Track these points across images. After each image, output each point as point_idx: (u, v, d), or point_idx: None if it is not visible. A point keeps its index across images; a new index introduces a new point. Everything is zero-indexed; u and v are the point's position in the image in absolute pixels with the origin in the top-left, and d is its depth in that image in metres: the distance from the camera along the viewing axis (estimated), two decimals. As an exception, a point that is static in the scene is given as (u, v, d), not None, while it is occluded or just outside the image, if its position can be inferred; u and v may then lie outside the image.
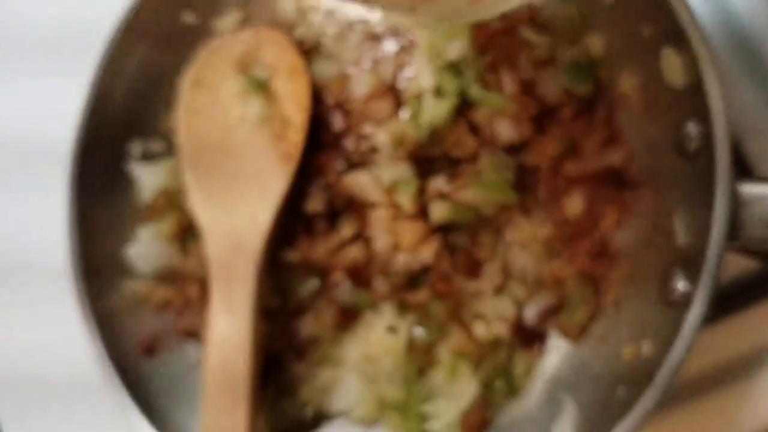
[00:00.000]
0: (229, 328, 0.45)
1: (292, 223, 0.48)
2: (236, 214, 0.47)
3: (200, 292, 0.48)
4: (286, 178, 0.47)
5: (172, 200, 0.49)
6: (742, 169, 0.45)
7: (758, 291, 0.45)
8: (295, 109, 0.48)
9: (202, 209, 0.47)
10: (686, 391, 0.44)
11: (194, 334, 0.49)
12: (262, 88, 0.49)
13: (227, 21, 0.51)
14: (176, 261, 0.49)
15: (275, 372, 0.47)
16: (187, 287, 0.49)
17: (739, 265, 0.45)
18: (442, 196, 0.45)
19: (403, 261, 0.45)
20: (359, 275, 0.46)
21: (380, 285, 0.45)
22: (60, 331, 0.51)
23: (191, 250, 0.49)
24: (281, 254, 0.48)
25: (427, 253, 0.44)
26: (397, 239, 0.45)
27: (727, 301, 0.45)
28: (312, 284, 0.47)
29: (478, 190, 0.44)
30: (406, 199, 0.44)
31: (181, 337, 0.49)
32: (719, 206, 0.37)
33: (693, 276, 0.39)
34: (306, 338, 0.47)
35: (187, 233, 0.49)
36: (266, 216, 0.46)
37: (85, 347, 0.47)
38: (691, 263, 0.39)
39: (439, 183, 0.45)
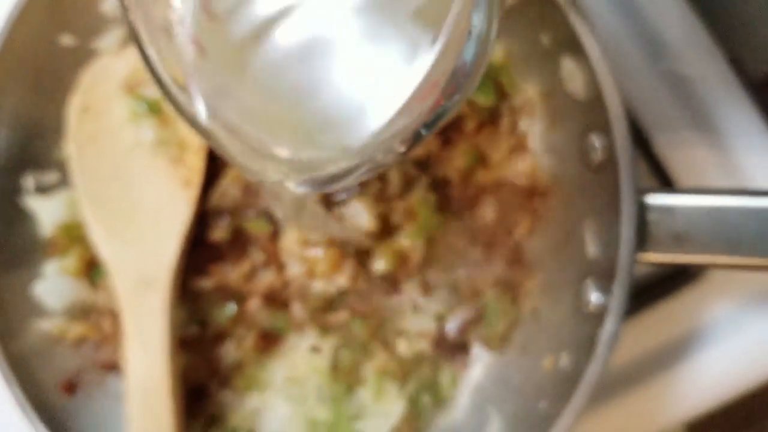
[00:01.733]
0: (145, 367, 0.44)
1: (201, 247, 0.46)
2: (141, 247, 0.45)
3: (115, 325, 0.46)
4: (189, 206, 0.45)
5: (74, 234, 0.47)
6: (665, 181, 0.44)
7: (668, 286, 0.45)
8: (193, 132, 0.46)
9: (104, 245, 0.45)
10: (607, 388, 0.45)
11: (114, 366, 0.47)
12: (154, 109, 0.46)
13: (108, 40, 0.47)
14: (86, 295, 0.47)
15: (201, 401, 0.46)
16: (101, 321, 0.47)
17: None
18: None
19: (319, 287, 0.44)
20: (276, 300, 0.45)
21: (298, 309, 0.44)
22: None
23: (100, 284, 0.47)
24: (193, 281, 0.46)
25: (343, 278, 0.43)
26: (310, 266, 0.43)
27: (640, 297, 0.45)
28: (229, 310, 0.46)
29: (416, 233, 0.43)
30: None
31: (101, 370, 0.48)
32: (626, 219, 0.37)
33: (605, 287, 0.39)
34: (229, 365, 0.46)
35: (93, 267, 0.47)
36: (172, 248, 0.44)
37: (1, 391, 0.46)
38: (603, 274, 0.39)
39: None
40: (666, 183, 0.44)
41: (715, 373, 0.45)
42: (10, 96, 0.46)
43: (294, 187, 0.31)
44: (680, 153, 0.45)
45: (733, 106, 0.45)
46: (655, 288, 0.45)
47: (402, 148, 0.29)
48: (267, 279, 0.45)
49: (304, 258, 0.43)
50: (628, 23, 0.46)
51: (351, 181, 0.30)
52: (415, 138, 0.29)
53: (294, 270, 0.44)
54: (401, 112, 0.27)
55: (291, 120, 0.29)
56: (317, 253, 0.43)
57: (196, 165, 0.45)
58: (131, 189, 0.46)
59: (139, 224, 0.45)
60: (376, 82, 0.28)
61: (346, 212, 0.42)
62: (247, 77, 0.29)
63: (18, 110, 0.47)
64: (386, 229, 0.43)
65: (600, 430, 0.45)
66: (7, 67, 0.45)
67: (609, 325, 0.37)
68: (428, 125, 0.28)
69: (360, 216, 0.42)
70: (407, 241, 0.43)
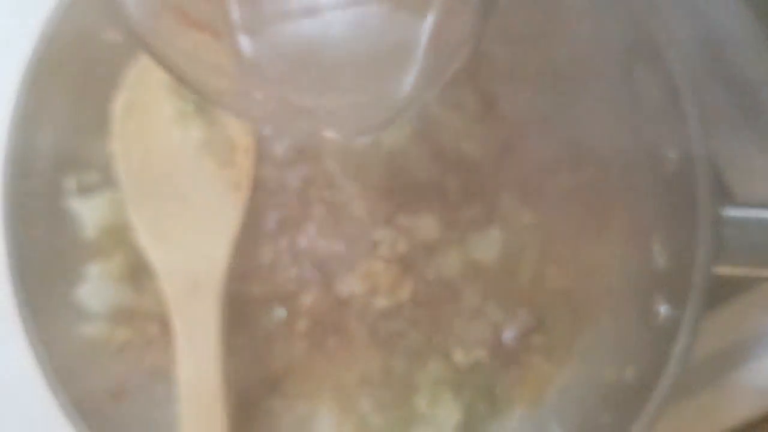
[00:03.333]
0: (197, 373, 0.43)
1: (256, 251, 0.45)
2: (190, 250, 0.44)
3: (160, 330, 0.45)
4: (238, 210, 0.44)
5: (118, 236, 0.46)
6: (722, 195, 0.43)
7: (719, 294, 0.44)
8: (241, 130, 0.45)
9: (152, 248, 0.44)
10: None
11: (160, 372, 0.46)
12: (201, 108, 0.44)
13: (155, 36, 0.45)
14: (131, 299, 0.46)
15: (249, 409, 0.45)
16: (146, 325, 0.46)
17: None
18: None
19: (381, 303, 0.43)
20: (325, 318, 0.44)
21: (356, 325, 0.43)
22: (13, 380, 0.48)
23: (146, 287, 0.46)
24: (241, 285, 0.45)
25: (406, 292, 0.42)
26: (374, 284, 0.42)
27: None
28: (278, 314, 0.45)
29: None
30: (386, 247, 0.42)
31: (147, 376, 0.47)
32: (703, 231, 0.36)
33: (675, 300, 0.38)
34: (277, 370, 0.45)
35: (138, 269, 0.46)
36: (222, 252, 0.43)
37: (45, 398, 0.45)
38: (673, 287, 0.38)
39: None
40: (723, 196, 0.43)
41: (763, 384, 0.44)
42: (53, 93, 0.44)
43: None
44: (738, 165, 0.44)
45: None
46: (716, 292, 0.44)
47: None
48: (312, 296, 0.44)
49: (367, 275, 0.42)
50: (689, 24, 0.45)
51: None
52: None
53: (354, 290, 0.43)
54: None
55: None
56: (379, 268, 0.42)
57: (245, 167, 0.44)
58: (179, 190, 0.45)
59: (188, 227, 0.44)
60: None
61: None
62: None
63: (61, 108, 0.45)
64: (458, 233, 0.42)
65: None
66: (51, 63, 0.43)
67: (683, 338, 0.36)
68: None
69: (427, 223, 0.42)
70: (480, 247, 0.42)
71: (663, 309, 0.39)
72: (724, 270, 0.37)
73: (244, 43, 0.27)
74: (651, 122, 0.39)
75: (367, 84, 0.29)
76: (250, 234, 0.45)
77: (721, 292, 0.44)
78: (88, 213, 0.46)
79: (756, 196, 0.42)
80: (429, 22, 0.26)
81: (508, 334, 0.43)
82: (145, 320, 0.46)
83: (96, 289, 0.46)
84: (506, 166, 0.42)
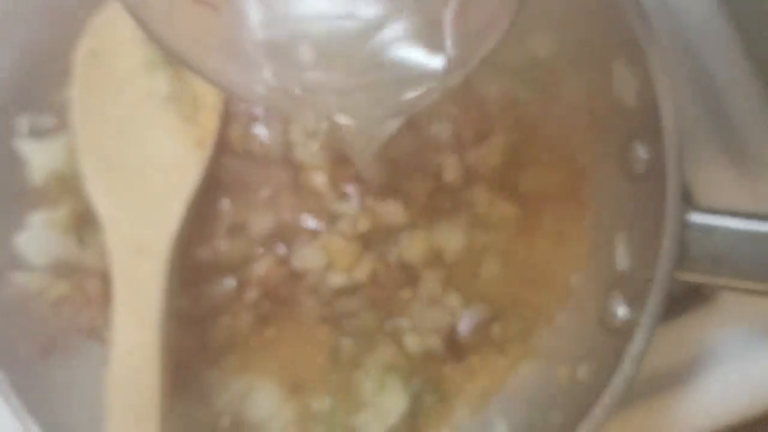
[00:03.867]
0: (136, 338, 0.40)
1: (205, 215, 0.43)
2: (142, 207, 0.42)
3: (101, 288, 0.43)
4: (199, 169, 0.42)
5: (67, 185, 0.44)
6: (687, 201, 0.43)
7: (680, 305, 0.44)
8: (209, 87, 0.43)
9: (102, 200, 0.42)
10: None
11: (94, 332, 0.44)
12: (170, 61, 0.43)
13: (130, -20, 0.44)
14: (73, 252, 0.44)
15: (186, 379, 0.43)
16: (85, 282, 0.44)
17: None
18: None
19: (336, 280, 0.41)
20: (276, 291, 0.42)
21: (307, 301, 0.42)
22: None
23: (89, 241, 0.44)
24: (192, 250, 0.43)
25: (363, 272, 0.41)
26: (331, 260, 0.41)
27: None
28: (227, 285, 0.43)
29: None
30: (348, 224, 0.41)
31: (79, 335, 0.44)
32: (669, 235, 0.36)
33: (634, 302, 0.38)
34: (220, 343, 0.43)
35: (84, 222, 0.44)
36: (177, 213, 0.41)
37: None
38: (633, 289, 0.38)
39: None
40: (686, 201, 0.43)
41: (718, 397, 0.44)
42: (18, 26, 0.42)
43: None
44: (704, 172, 0.45)
45: (764, 132, 0.44)
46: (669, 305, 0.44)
47: None
48: (265, 267, 0.42)
49: (325, 248, 0.41)
50: (672, 32, 0.45)
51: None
52: None
53: (309, 263, 0.42)
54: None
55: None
56: (338, 244, 0.41)
57: (210, 125, 0.43)
58: (137, 143, 0.43)
59: (143, 182, 0.42)
60: None
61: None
62: None
63: (24, 43, 0.43)
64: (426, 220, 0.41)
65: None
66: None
67: (639, 340, 0.36)
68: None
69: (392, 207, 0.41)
70: (446, 236, 0.41)
71: (621, 310, 0.38)
72: (686, 276, 0.36)
73: (254, 12, 0.26)
74: (626, 121, 0.39)
75: (385, 61, 0.27)
76: (206, 196, 0.43)
77: (678, 305, 0.44)
78: (38, 157, 0.44)
79: (719, 205, 0.43)
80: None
81: (464, 325, 0.42)
82: (86, 276, 0.44)
83: (37, 237, 0.44)
84: (480, 156, 0.41)
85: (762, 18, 0.43)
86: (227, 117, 0.43)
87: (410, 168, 0.41)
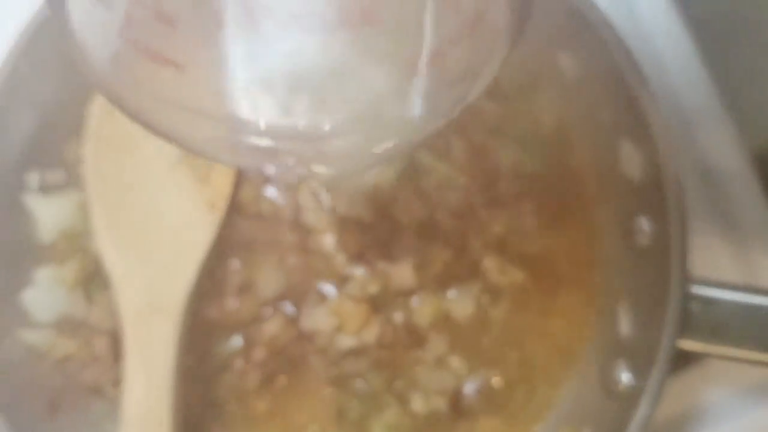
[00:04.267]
0: (147, 399, 0.41)
1: (215, 274, 0.44)
2: (154, 266, 0.42)
3: (108, 346, 0.43)
4: (211, 232, 0.43)
5: (76, 242, 0.44)
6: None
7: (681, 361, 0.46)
8: (225, 150, 0.44)
9: (113, 257, 0.42)
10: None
11: (100, 392, 0.44)
12: (185, 122, 0.43)
13: (147, 42, 0.44)
14: (80, 310, 0.44)
15: (192, 435, 0.44)
16: (92, 339, 0.44)
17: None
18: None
19: (345, 342, 0.42)
20: (284, 351, 0.43)
21: (314, 362, 0.43)
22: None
23: (97, 299, 0.44)
24: (200, 308, 0.44)
25: (372, 334, 0.42)
26: (340, 322, 0.42)
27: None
28: (234, 342, 0.44)
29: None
30: (358, 287, 0.42)
31: (84, 394, 0.44)
32: (672, 305, 0.38)
33: (638, 370, 0.39)
34: (227, 400, 0.44)
35: (92, 279, 0.44)
36: (189, 273, 0.42)
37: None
38: (635, 356, 0.39)
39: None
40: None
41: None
42: (33, 83, 0.42)
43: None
44: (700, 247, 0.46)
45: (754, 206, 0.47)
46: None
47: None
48: (274, 327, 0.43)
49: (336, 312, 0.42)
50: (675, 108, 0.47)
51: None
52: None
53: (320, 326, 0.42)
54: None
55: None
56: (348, 307, 0.42)
57: (222, 187, 0.43)
58: (149, 202, 0.43)
59: (155, 242, 0.42)
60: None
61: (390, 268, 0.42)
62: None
63: (38, 99, 0.43)
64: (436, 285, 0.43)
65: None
66: (36, 51, 0.41)
67: (643, 408, 0.37)
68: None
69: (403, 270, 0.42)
70: (456, 302, 0.42)
71: (625, 377, 0.40)
72: (687, 345, 0.38)
73: (221, 69, 0.25)
74: (632, 195, 0.41)
75: (366, 107, 0.27)
76: (216, 256, 0.44)
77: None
78: (48, 213, 0.44)
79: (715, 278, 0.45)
80: (427, 45, 0.24)
81: (469, 388, 0.43)
82: (93, 334, 0.44)
83: (44, 294, 0.44)
84: (491, 221, 0.43)
85: (756, 101, 0.45)
86: (239, 178, 0.44)
87: (427, 236, 0.43)
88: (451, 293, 0.43)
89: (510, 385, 0.43)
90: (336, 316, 0.42)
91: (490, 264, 0.43)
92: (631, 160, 0.40)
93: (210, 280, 0.44)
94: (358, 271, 0.42)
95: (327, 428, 0.43)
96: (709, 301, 0.38)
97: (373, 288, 0.42)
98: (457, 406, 0.43)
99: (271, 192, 0.44)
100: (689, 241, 0.45)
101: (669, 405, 0.46)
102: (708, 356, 0.40)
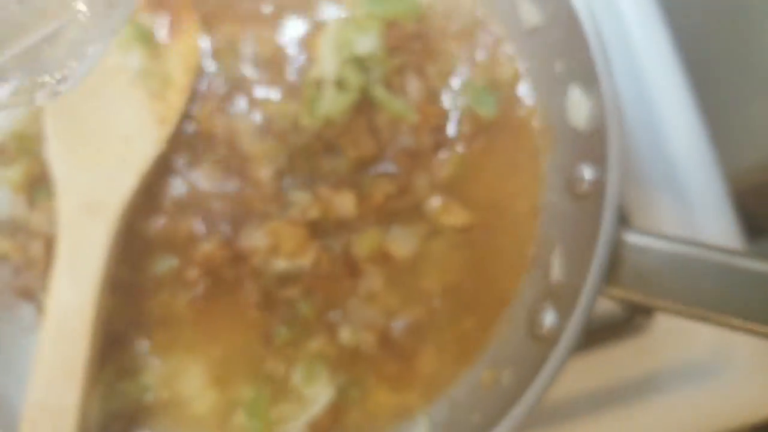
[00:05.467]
0: (72, 298, 0.41)
1: (157, 191, 0.44)
2: (98, 172, 0.42)
3: (44, 252, 0.43)
4: (157, 144, 0.43)
5: (26, 144, 0.44)
6: (624, 223, 0.45)
7: (618, 332, 0.46)
8: (181, 68, 0.44)
9: (59, 161, 0.42)
10: (541, 418, 0.45)
11: (31, 296, 0.44)
12: (146, 40, 0.44)
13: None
14: (21, 213, 0.44)
15: (117, 350, 0.43)
16: (30, 243, 0.44)
17: (604, 306, 0.46)
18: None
19: (280, 265, 0.42)
20: (218, 271, 0.43)
21: (247, 285, 0.42)
22: None
23: (39, 205, 0.44)
24: (140, 222, 0.44)
25: (308, 259, 0.42)
26: (277, 243, 0.42)
27: (590, 337, 0.46)
28: (169, 262, 0.44)
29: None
30: (298, 210, 0.42)
31: (15, 296, 0.44)
32: (601, 251, 0.37)
33: (563, 313, 0.39)
34: (154, 319, 0.44)
35: (37, 185, 0.44)
36: (130, 182, 0.42)
37: None
38: (563, 300, 0.39)
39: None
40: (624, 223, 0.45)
41: (640, 426, 0.45)
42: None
43: None
44: (646, 202, 0.47)
45: (701, 168, 0.47)
46: (603, 333, 0.46)
47: None
48: (210, 246, 0.43)
49: (272, 232, 0.42)
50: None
51: None
52: None
53: (255, 245, 0.42)
54: None
55: None
56: (286, 229, 0.42)
57: (175, 104, 0.44)
58: (102, 112, 0.43)
59: (102, 149, 0.43)
60: None
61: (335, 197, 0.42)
62: None
63: None
64: (380, 219, 0.43)
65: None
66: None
67: (562, 348, 0.37)
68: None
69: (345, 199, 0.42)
70: (398, 239, 0.43)
71: (549, 320, 0.39)
72: (615, 292, 0.38)
73: None
74: (576, 142, 0.41)
75: None
76: (160, 173, 0.44)
77: (614, 334, 0.46)
78: (0, 114, 0.44)
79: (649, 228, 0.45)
80: None
81: (399, 325, 0.43)
82: (30, 238, 0.44)
83: (-13, 193, 0.44)
84: (439, 162, 0.43)
85: (713, 58, 0.46)
86: (193, 97, 0.44)
87: (374, 170, 0.43)
88: (393, 229, 0.43)
89: (440, 327, 0.42)
90: (273, 236, 0.42)
91: (435, 203, 0.43)
92: (579, 109, 0.40)
93: (150, 198, 0.44)
94: (300, 196, 0.42)
95: (252, 353, 0.43)
96: (640, 249, 0.38)
97: (314, 213, 0.42)
98: (385, 342, 0.42)
99: (223, 115, 0.44)
100: (628, 190, 0.46)
101: (617, 371, 0.47)
102: (636, 305, 0.40)
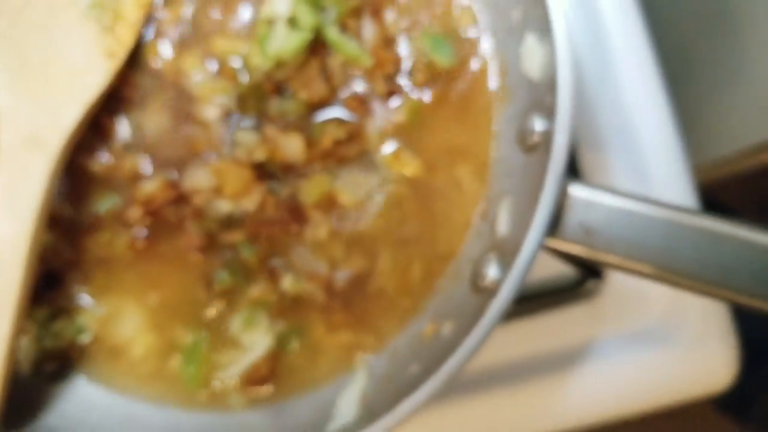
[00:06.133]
0: (7, 228, 0.39)
1: (102, 129, 0.43)
2: (41, 104, 0.41)
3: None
4: (105, 77, 0.42)
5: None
6: (574, 174, 0.45)
7: (569, 296, 0.45)
8: (133, 2, 0.43)
9: (3, 92, 0.41)
10: (489, 381, 0.45)
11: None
12: (99, -27, 0.43)
13: None
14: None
15: (52, 289, 0.42)
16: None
17: (555, 269, 0.45)
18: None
19: (223, 207, 0.41)
20: (161, 212, 0.42)
21: (190, 228, 0.42)
22: None
23: (-18, 136, 0.43)
24: (83, 159, 0.43)
25: (252, 201, 0.41)
26: (220, 183, 0.41)
27: (541, 300, 0.45)
28: (111, 201, 0.43)
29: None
30: (244, 151, 0.41)
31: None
32: (545, 200, 0.37)
33: (506, 266, 0.38)
34: (94, 258, 0.43)
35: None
36: (73, 114, 0.41)
37: None
38: (507, 253, 0.38)
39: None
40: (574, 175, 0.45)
41: (590, 392, 0.45)
42: None
43: None
44: (597, 155, 0.46)
45: (659, 130, 0.47)
46: (554, 297, 0.45)
47: None
48: (151, 189, 0.42)
49: (216, 172, 0.41)
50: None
51: None
52: None
53: (198, 184, 0.41)
54: None
55: None
56: (230, 169, 0.41)
57: (125, 39, 0.43)
58: (50, 42, 0.42)
59: (47, 80, 0.42)
60: None
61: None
62: None
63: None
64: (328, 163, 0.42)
65: (474, 422, 0.44)
66: None
67: (501, 299, 0.36)
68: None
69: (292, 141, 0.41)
70: (346, 186, 0.42)
71: (492, 272, 0.39)
72: (558, 244, 0.37)
73: None
74: (529, 93, 0.40)
75: None
76: (106, 110, 0.43)
77: (564, 299, 0.46)
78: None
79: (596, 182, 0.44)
80: None
81: (343, 275, 0.42)
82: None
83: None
84: (391, 108, 0.42)
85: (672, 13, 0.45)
86: (142, 32, 0.43)
87: (324, 114, 0.42)
88: (341, 176, 0.42)
89: (384, 278, 0.42)
90: (216, 176, 0.41)
91: (385, 151, 0.42)
92: (533, 57, 0.40)
93: (95, 135, 0.43)
94: (247, 136, 0.41)
95: (192, 297, 0.42)
96: (587, 203, 0.37)
97: (260, 155, 0.41)
98: (328, 291, 0.41)
99: (169, 51, 0.43)
100: (584, 149, 0.45)
101: (567, 335, 0.46)
102: (579, 257, 0.39)
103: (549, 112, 0.38)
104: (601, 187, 0.37)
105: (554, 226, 0.37)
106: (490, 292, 0.38)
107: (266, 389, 0.41)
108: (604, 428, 0.46)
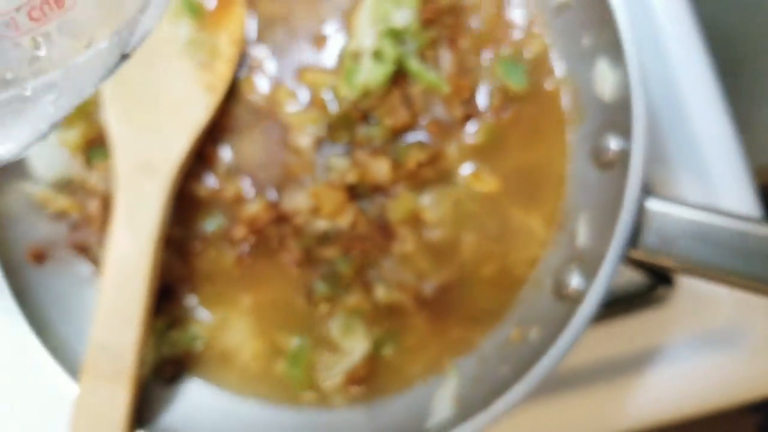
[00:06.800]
0: (130, 247, 0.44)
1: (207, 155, 0.47)
2: (152, 135, 0.45)
3: (101, 209, 0.47)
4: (207, 110, 0.46)
5: (83, 108, 0.47)
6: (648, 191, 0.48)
7: (640, 301, 0.48)
8: (228, 40, 0.47)
9: (116, 124, 0.45)
10: (566, 383, 0.48)
11: (87, 251, 0.47)
12: (195, 11, 0.47)
13: (171, -70, 0.48)
14: (79, 173, 0.47)
15: (168, 302, 0.46)
16: (87, 201, 0.47)
17: (627, 276, 0.48)
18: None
19: (320, 225, 0.45)
20: (263, 231, 0.46)
21: (291, 243, 0.45)
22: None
23: (96, 165, 0.47)
24: (191, 184, 0.47)
25: (345, 220, 0.45)
26: (317, 205, 0.45)
27: (614, 306, 0.48)
28: (217, 222, 0.47)
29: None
30: (337, 175, 0.45)
31: (73, 251, 0.47)
32: (625, 215, 0.40)
33: (588, 275, 0.41)
34: (204, 274, 0.47)
35: (94, 146, 0.47)
36: (183, 144, 0.45)
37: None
38: (588, 263, 0.42)
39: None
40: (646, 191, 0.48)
41: (661, 394, 0.48)
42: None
43: None
44: (663, 171, 0.49)
45: (722, 144, 0.49)
46: (626, 304, 0.48)
47: None
48: (254, 210, 0.46)
49: (314, 194, 0.45)
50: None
51: None
52: None
53: (298, 206, 0.45)
54: None
55: None
56: (326, 192, 0.45)
57: (223, 73, 0.46)
58: (155, 81, 0.46)
59: (155, 114, 0.46)
60: None
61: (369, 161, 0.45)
62: None
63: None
64: (412, 183, 0.45)
65: (550, 422, 0.47)
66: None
67: (588, 306, 0.39)
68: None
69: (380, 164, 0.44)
70: (430, 203, 0.45)
71: (575, 281, 0.42)
72: (638, 254, 0.40)
73: None
74: (602, 113, 0.43)
75: None
76: (210, 138, 0.47)
77: (634, 304, 0.49)
78: (60, 80, 0.47)
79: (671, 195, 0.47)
80: None
81: (430, 285, 0.45)
82: (88, 196, 0.47)
83: (48, 153, 0.47)
84: (470, 134, 0.46)
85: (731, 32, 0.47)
86: (240, 67, 0.47)
87: (407, 139, 0.46)
88: (425, 195, 0.46)
89: (468, 287, 0.45)
90: (314, 198, 0.45)
91: (465, 171, 0.45)
92: (605, 80, 0.42)
93: (202, 161, 0.47)
94: (339, 162, 0.45)
95: (294, 306, 0.46)
96: (662, 216, 0.40)
97: (351, 177, 0.45)
98: (417, 300, 0.45)
99: (263, 85, 0.47)
100: (651, 166, 0.48)
101: (637, 340, 0.49)
102: (658, 266, 0.42)
103: (623, 131, 0.41)
104: (674, 200, 0.40)
105: (633, 237, 0.40)
106: (573, 300, 0.41)
107: (364, 389, 0.45)
108: (669, 428, 0.49)
